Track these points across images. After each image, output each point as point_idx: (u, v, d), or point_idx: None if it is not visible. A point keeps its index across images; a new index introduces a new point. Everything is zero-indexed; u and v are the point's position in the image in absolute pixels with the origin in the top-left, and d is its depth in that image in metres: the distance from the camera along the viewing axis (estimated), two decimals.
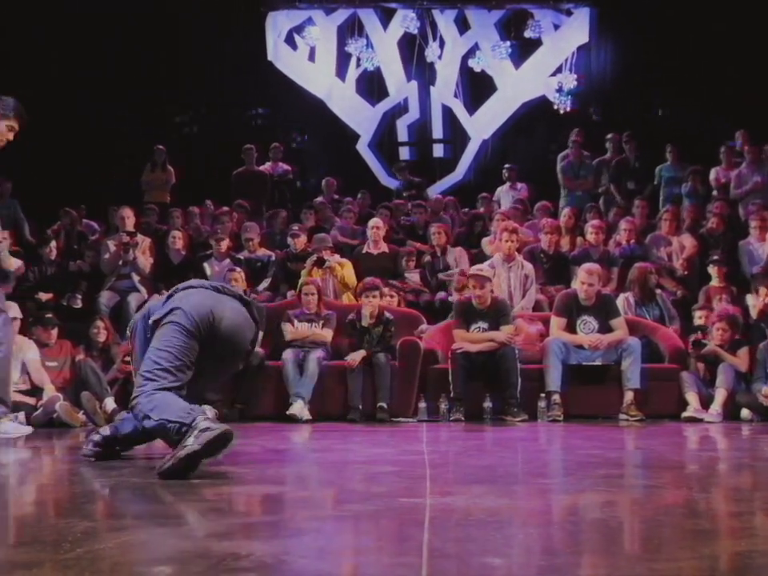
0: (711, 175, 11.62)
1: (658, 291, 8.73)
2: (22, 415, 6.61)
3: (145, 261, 9.53)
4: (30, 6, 12.58)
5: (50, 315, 7.79)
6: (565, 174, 12.40)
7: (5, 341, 5.82)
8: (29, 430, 6.23)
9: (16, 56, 12.56)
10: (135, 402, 4.00)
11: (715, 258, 9.39)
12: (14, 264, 5.85)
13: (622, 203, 11.76)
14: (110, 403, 7.27)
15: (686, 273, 9.79)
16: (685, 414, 7.33)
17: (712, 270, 9.22)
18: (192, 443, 3.62)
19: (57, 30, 13.11)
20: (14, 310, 7.18)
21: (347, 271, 9.09)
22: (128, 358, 7.64)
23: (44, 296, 9.19)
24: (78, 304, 9.45)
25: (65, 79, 13.09)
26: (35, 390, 7.29)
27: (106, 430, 4.47)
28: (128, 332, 4.55)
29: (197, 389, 4.27)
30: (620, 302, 8.28)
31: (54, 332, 7.65)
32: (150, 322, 4.19)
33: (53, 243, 9.82)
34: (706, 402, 7.41)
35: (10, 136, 5.81)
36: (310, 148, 15.94)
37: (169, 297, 4.29)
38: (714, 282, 9.15)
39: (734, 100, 12.96)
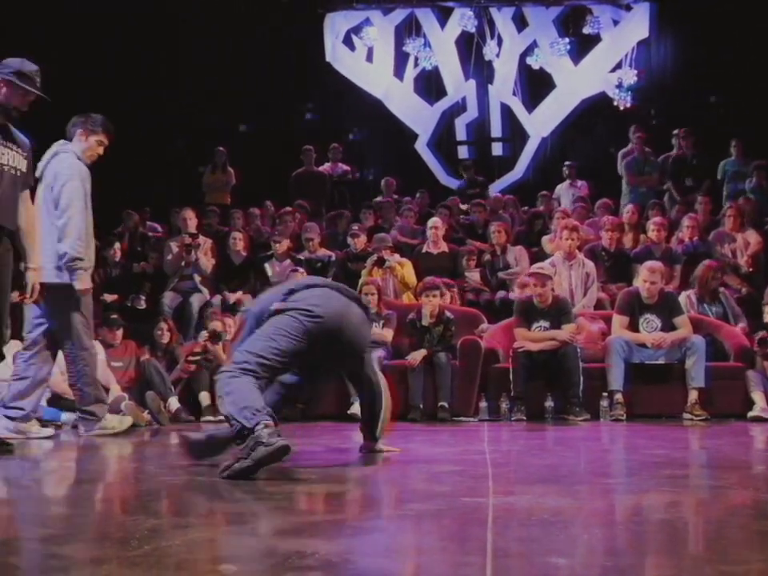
0: None
1: (721, 289, 8.59)
2: None
3: (206, 262, 9.62)
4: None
5: (115, 316, 7.88)
6: (629, 170, 12.22)
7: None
8: (129, 420, 6.29)
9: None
10: (221, 375, 4.06)
11: None
12: (86, 284, 5.96)
13: (679, 200, 11.60)
14: (173, 403, 7.38)
15: (750, 270, 9.62)
16: (751, 414, 7.20)
17: None
18: (247, 457, 3.65)
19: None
20: None
21: (407, 271, 9.09)
22: (191, 358, 7.78)
23: (109, 297, 9.32)
24: (142, 305, 9.58)
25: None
26: None
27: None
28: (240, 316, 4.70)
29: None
30: (682, 299, 8.17)
31: (119, 333, 7.75)
32: (272, 308, 4.19)
33: (117, 245, 9.96)
34: None
35: (100, 150, 6.00)
36: (367, 142, 15.92)
37: (291, 291, 4.29)
38: None
39: None
